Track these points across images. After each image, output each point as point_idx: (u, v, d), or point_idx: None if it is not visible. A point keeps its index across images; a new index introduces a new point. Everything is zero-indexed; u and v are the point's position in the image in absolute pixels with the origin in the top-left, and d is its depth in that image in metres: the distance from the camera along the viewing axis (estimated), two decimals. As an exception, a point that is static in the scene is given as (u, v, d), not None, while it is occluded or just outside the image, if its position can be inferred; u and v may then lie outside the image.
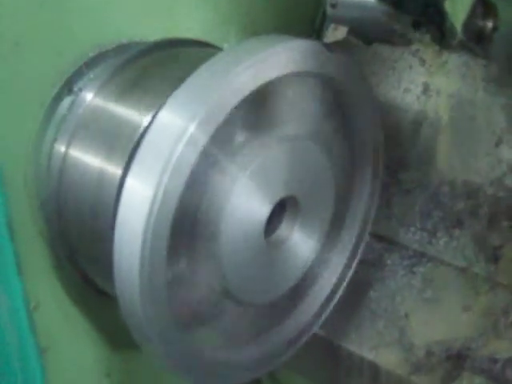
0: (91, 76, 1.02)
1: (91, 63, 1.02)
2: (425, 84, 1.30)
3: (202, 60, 0.95)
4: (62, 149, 0.99)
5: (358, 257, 1.19)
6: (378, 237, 1.25)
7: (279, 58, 0.90)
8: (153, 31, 1.12)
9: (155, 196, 0.82)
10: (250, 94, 0.89)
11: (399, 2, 0.84)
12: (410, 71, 1.31)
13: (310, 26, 1.39)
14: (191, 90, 0.87)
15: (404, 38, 0.94)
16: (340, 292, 1.18)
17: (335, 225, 1.14)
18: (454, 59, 1.26)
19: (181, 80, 0.92)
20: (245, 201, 0.94)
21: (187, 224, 0.91)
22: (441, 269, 1.24)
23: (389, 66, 1.32)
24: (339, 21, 0.97)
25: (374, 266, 1.27)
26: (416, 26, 0.88)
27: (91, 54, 1.03)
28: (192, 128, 0.84)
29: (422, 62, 1.30)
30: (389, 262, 1.28)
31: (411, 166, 1.30)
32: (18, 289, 0.95)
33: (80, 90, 1.00)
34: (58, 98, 0.99)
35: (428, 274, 1.25)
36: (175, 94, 0.87)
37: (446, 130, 1.28)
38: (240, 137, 0.94)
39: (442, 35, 0.87)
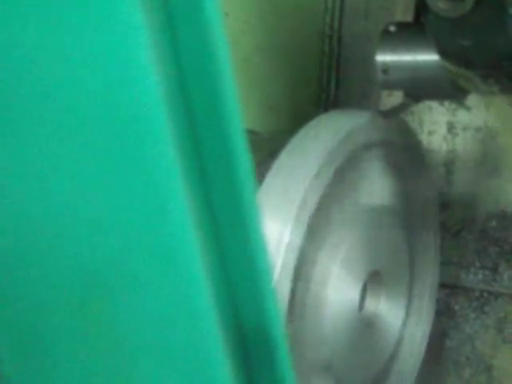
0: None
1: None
2: (448, 123, 1.29)
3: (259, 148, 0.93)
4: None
5: (434, 309, 1.16)
6: (439, 285, 1.22)
7: (355, 137, 0.88)
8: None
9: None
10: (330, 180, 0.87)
11: (470, 61, 0.83)
12: (430, 113, 1.30)
13: (317, 87, 1.37)
14: (275, 189, 0.84)
15: (464, 92, 0.93)
16: (424, 349, 1.15)
17: (410, 284, 1.12)
18: (473, 93, 1.25)
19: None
20: (339, 287, 0.92)
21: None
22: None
23: (407, 110, 1.31)
24: (392, 86, 0.95)
25: (442, 314, 1.24)
26: (484, 78, 0.87)
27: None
28: (288, 233, 0.81)
29: (441, 101, 1.29)
30: (457, 307, 1.26)
31: (453, 206, 1.29)
32: None
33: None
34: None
35: (500, 311, 1.23)
36: (260, 197, 0.84)
37: (480, 164, 1.27)
38: (322, 224, 0.91)
39: (512, 84, 0.86)
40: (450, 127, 1.29)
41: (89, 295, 0.41)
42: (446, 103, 1.29)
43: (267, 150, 0.97)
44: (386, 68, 0.93)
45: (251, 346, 0.44)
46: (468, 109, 1.28)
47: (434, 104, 1.30)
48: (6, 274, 0.41)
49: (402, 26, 0.94)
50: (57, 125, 0.35)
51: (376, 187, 1.01)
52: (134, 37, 0.32)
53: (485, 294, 1.24)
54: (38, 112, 0.35)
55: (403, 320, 1.08)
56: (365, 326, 1.00)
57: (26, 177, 0.37)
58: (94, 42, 0.32)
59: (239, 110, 0.38)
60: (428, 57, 0.91)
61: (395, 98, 0.95)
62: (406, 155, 1.03)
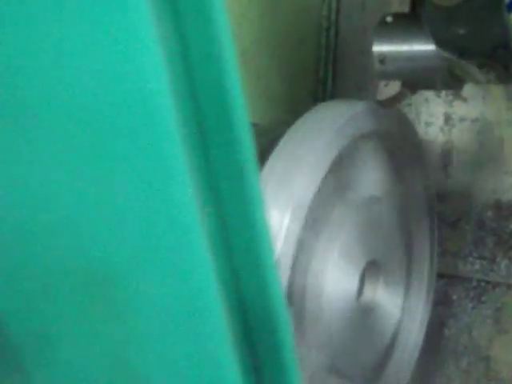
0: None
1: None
2: (445, 114, 1.30)
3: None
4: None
5: (432, 298, 1.17)
6: (437, 275, 1.23)
7: (353, 127, 0.89)
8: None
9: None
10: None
11: (465, 49, 0.84)
12: (427, 104, 1.31)
13: (314, 79, 1.38)
14: (274, 179, 0.85)
15: (461, 81, 0.94)
16: (422, 337, 1.16)
17: (407, 273, 1.13)
18: (470, 85, 1.26)
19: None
20: (338, 275, 0.93)
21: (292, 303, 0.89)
22: (510, 293, 1.23)
23: (404, 102, 1.32)
24: (389, 76, 0.95)
25: (440, 304, 1.25)
26: (480, 67, 0.87)
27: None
28: (287, 220, 0.82)
29: (438, 92, 1.30)
30: (454, 297, 1.26)
31: (450, 197, 1.30)
32: None
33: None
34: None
35: (498, 301, 1.23)
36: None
37: (477, 155, 1.28)
38: (321, 213, 0.91)
39: (508, 73, 0.87)
40: (447, 118, 1.30)
41: (92, 282, 0.41)
42: (443, 95, 1.30)
43: (265, 140, 0.97)
44: (383, 58, 0.94)
45: (254, 325, 0.44)
46: (465, 100, 1.29)
47: (431, 95, 1.31)
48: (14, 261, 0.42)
49: (398, 16, 0.95)
50: (61, 123, 0.36)
51: (373, 177, 1.01)
52: (141, 30, 0.33)
53: (482, 284, 1.25)
54: (42, 113, 0.36)
55: (401, 309, 1.09)
56: (363, 315, 1.00)
57: (35, 173, 0.38)
58: (98, 33, 0.33)
59: (244, 100, 0.39)
60: (425, 47, 0.91)
61: (392, 88, 0.96)
62: (403, 145, 1.04)
